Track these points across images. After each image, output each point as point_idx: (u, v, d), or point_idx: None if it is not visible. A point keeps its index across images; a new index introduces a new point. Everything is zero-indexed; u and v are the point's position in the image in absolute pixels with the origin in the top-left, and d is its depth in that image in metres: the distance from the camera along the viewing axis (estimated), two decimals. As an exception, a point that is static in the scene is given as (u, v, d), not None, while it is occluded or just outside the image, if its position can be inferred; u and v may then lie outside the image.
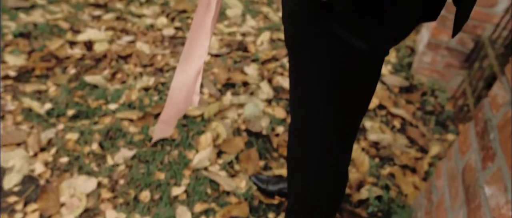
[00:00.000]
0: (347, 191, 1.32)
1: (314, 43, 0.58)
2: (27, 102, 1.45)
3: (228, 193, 1.24)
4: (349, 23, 0.53)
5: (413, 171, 1.44)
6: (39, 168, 1.24)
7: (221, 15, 2.26)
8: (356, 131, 0.75)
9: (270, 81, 1.77)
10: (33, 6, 2.07)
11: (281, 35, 2.13)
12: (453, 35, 0.58)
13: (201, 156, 1.33)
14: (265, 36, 2.09)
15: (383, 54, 0.59)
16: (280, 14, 2.35)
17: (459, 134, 1.14)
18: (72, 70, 1.66)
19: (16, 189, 1.18)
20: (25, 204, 1.14)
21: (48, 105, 1.46)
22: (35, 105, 1.45)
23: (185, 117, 1.51)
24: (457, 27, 0.55)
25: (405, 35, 0.57)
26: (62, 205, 1.14)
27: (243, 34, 2.10)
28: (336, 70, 0.59)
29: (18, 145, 1.31)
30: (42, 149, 1.30)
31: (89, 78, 1.60)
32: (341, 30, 0.54)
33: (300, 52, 0.61)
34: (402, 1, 0.49)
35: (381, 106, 1.73)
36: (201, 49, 0.76)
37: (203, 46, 0.77)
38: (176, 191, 1.22)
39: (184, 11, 2.24)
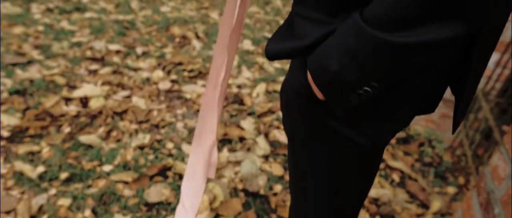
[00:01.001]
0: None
1: (312, 136, 0.58)
2: (19, 165, 1.42)
3: (226, 261, 1.19)
4: (349, 121, 0.53)
5: (416, 230, 1.40)
6: (28, 238, 1.19)
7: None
8: (358, 212, 0.73)
9: (266, 135, 1.76)
10: (30, 62, 2.08)
11: (277, 87, 2.15)
12: (453, 131, 0.58)
13: (197, 220, 1.29)
14: (261, 88, 2.10)
15: (384, 145, 0.58)
16: (275, 64, 2.38)
17: (462, 202, 1.11)
18: (66, 129, 1.64)
19: (3, 263, 1.12)
20: None
21: (40, 169, 1.42)
22: (27, 169, 1.41)
23: (181, 176, 1.48)
24: (457, 122, 0.55)
25: (406, 126, 0.57)
26: None
27: (239, 86, 2.11)
28: (336, 163, 0.58)
29: (8, 213, 1.26)
30: (32, 217, 1.25)
31: (83, 138, 1.58)
32: (340, 127, 0.54)
33: (297, 144, 0.61)
34: (403, 101, 0.49)
35: (379, 160, 1.72)
36: (212, 123, 0.78)
37: (213, 121, 0.78)
38: (172, 261, 1.17)
39: (180, 64, 2.26)
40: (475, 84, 0.54)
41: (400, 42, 0.40)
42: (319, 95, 0.52)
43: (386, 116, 0.52)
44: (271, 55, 0.52)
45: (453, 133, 0.53)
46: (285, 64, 2.39)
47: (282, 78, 2.21)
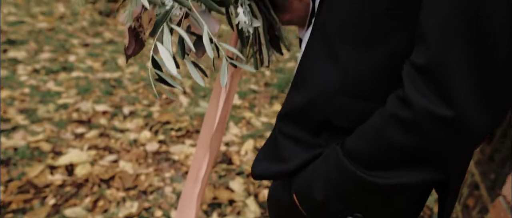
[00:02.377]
0: None
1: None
2: (1, 246, 1.37)
3: None
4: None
5: None
6: None
7: (205, 123, 2.30)
8: None
9: (256, 196, 1.74)
10: (14, 128, 2.06)
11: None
12: None
13: None
14: (249, 145, 2.11)
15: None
16: (262, 119, 2.41)
17: None
18: (51, 201, 1.60)
19: None
20: None
21: (23, 248, 1.37)
22: (9, 249, 1.36)
23: (170, 248, 1.44)
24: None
25: None
26: None
27: (227, 144, 2.11)
28: None
29: None
30: None
31: (69, 212, 1.54)
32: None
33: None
34: (397, 208, 0.51)
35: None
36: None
37: (190, 216, 0.77)
38: None
39: (167, 123, 2.26)
40: (457, 190, 0.55)
41: (377, 182, 0.41)
42: (306, 213, 0.53)
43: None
44: (258, 177, 0.53)
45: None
46: (272, 118, 2.41)
47: (269, 134, 2.23)
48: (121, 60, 3.00)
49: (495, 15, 0.35)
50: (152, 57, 0.50)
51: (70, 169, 1.81)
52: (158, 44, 0.49)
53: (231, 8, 0.51)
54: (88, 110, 2.30)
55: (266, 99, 2.64)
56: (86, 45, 3.24)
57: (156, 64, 0.50)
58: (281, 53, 0.68)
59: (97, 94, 2.48)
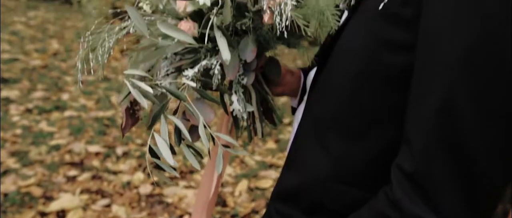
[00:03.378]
0: None
1: None
2: None
3: None
4: None
5: None
6: None
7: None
8: None
9: (251, 241, 1.73)
10: (6, 172, 2.03)
11: (259, 183, 2.15)
12: None
13: None
14: (243, 185, 2.10)
15: None
16: (256, 157, 2.41)
17: None
18: (41, 251, 1.56)
19: None
20: None
21: None
22: None
23: None
24: None
25: None
26: None
27: (221, 184, 2.11)
28: None
29: None
30: None
31: (59, 263, 1.51)
32: None
33: None
34: None
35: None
36: None
37: None
38: None
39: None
40: None
41: None
42: None
43: None
44: None
45: None
46: (266, 157, 2.42)
47: (263, 173, 2.23)
48: (115, 98, 3.01)
49: (476, 133, 0.37)
50: (150, 146, 0.52)
51: (61, 215, 1.78)
52: (156, 135, 0.51)
53: (226, 96, 0.54)
54: (81, 151, 2.29)
55: (260, 138, 2.65)
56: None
57: (153, 153, 0.51)
58: (274, 125, 0.70)
59: (90, 134, 2.48)
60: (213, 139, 0.51)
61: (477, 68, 0.37)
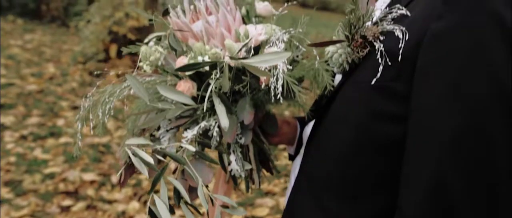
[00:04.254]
0: None
1: None
2: None
3: None
4: None
5: None
6: None
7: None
8: None
9: None
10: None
11: (255, 212, 2.14)
12: None
13: None
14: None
15: None
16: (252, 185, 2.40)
17: None
18: None
19: None
20: None
21: None
22: None
23: None
24: None
25: None
26: None
27: (217, 213, 2.09)
28: None
29: None
30: None
31: None
32: None
33: None
34: None
35: None
36: None
37: None
38: None
39: (157, 192, 2.24)
40: None
41: None
42: None
43: None
44: None
45: None
46: (261, 185, 2.41)
47: (260, 201, 2.22)
48: (111, 124, 3.00)
49: (467, 209, 0.39)
50: (149, 208, 0.52)
51: (55, 248, 1.75)
52: (155, 197, 0.52)
53: (224, 156, 0.55)
54: (76, 179, 2.27)
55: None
56: (75, 107, 3.25)
57: (153, 214, 0.52)
58: (272, 174, 0.71)
59: (85, 162, 2.46)
60: (211, 199, 0.52)
61: (466, 147, 0.39)
